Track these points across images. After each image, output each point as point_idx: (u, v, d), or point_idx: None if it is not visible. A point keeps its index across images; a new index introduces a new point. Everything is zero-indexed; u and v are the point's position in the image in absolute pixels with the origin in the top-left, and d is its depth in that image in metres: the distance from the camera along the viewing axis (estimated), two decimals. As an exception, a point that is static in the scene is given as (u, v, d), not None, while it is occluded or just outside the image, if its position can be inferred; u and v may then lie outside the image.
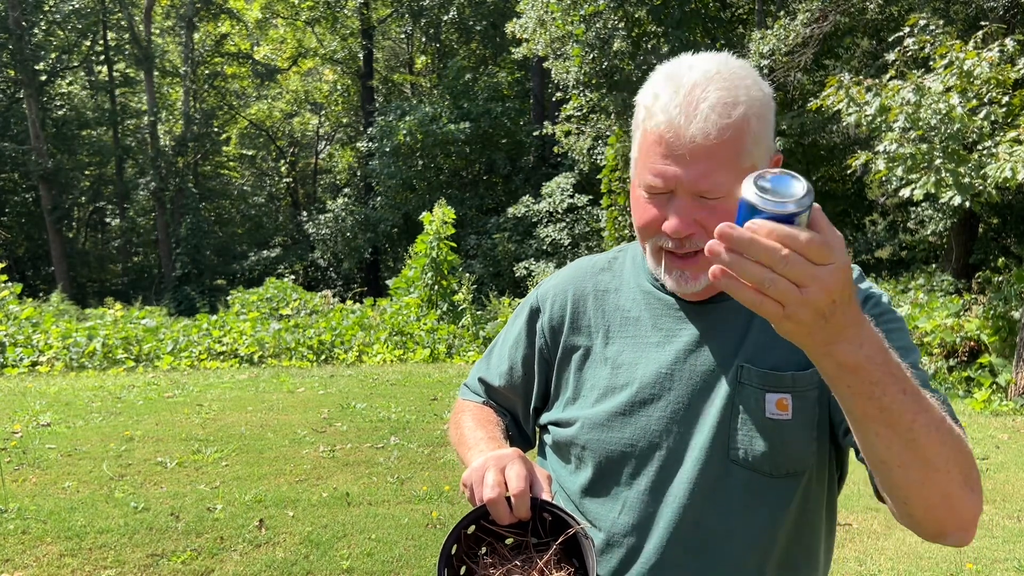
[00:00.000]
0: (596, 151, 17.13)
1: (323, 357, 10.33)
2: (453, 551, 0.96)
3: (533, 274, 17.55)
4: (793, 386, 1.06)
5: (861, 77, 7.89)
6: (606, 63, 15.05)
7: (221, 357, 10.06)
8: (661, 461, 1.09)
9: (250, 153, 32.74)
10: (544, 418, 1.25)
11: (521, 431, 1.32)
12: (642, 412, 1.11)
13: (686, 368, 1.10)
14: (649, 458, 1.09)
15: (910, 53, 7.55)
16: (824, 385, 1.04)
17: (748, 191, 0.76)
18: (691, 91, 0.99)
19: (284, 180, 32.68)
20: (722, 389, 1.08)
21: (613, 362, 1.16)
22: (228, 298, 16.81)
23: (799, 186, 0.76)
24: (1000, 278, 9.35)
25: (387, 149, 21.81)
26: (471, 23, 25.20)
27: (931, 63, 7.30)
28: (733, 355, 1.09)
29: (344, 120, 31.76)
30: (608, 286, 1.22)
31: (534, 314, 1.28)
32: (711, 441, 1.07)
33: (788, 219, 0.74)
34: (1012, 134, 6.83)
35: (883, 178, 7.56)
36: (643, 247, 1.12)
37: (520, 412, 1.31)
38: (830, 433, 1.08)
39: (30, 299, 14.45)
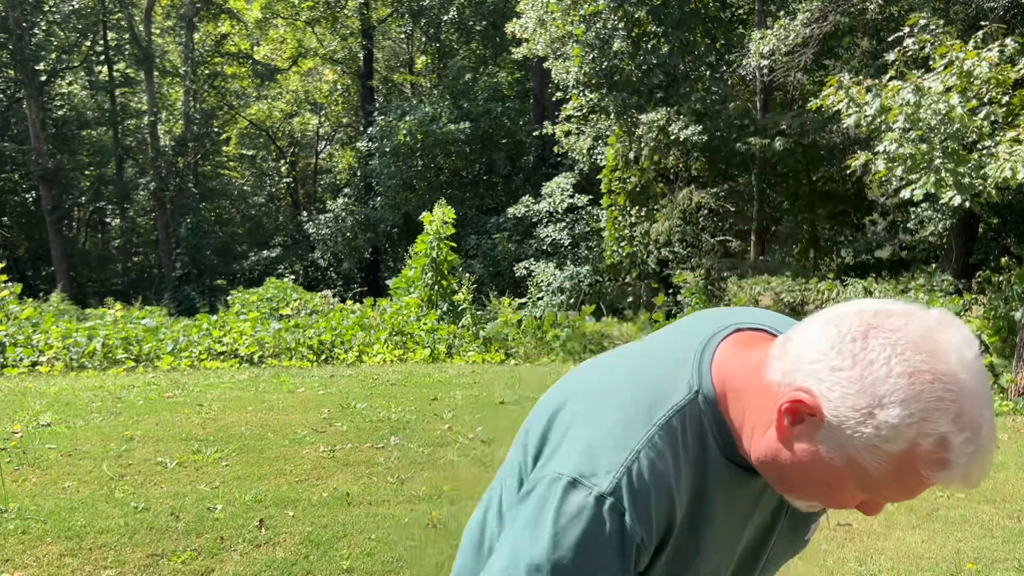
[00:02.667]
0: (596, 151, 17.14)
1: (323, 357, 10.33)
2: None
3: (533, 274, 17.55)
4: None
5: (861, 77, 7.90)
6: (606, 63, 15.05)
7: (221, 357, 10.05)
8: None
9: (250, 153, 32.75)
10: None
11: None
12: None
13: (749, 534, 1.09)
14: None
15: (910, 53, 7.56)
16: None
17: None
18: (988, 451, 0.83)
19: (284, 180, 32.69)
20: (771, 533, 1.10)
21: (702, 552, 1.01)
22: (228, 298, 16.80)
23: None
24: (1000, 278, 9.35)
25: (387, 149, 21.82)
26: (471, 23, 25.20)
27: (931, 63, 7.31)
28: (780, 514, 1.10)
29: (344, 120, 31.77)
30: (696, 480, 0.97)
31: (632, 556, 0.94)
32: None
33: None
34: (1012, 134, 6.84)
35: (883, 178, 7.56)
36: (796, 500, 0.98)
37: None
38: None
39: (30, 299, 14.45)
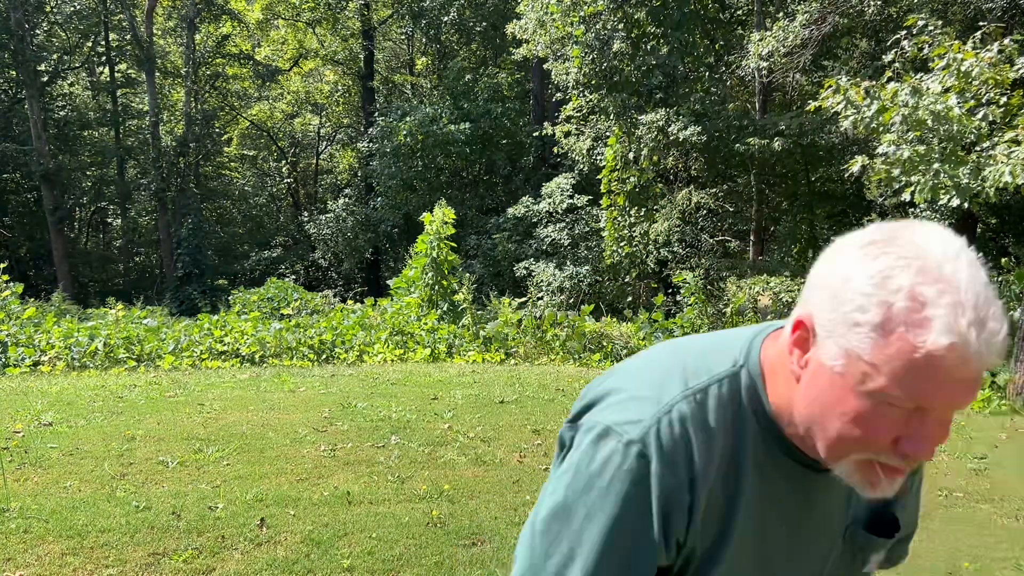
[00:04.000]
0: (596, 151, 17.16)
1: (324, 357, 10.35)
2: None
3: (533, 274, 17.57)
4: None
5: (859, 79, 7.92)
6: (606, 64, 15.07)
7: (222, 357, 10.08)
8: None
9: (251, 154, 32.80)
10: None
11: None
12: None
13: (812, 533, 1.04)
14: None
15: (908, 55, 7.58)
16: None
17: None
18: (976, 307, 0.79)
19: (285, 180, 32.73)
20: (832, 548, 1.06)
21: (760, 557, 0.99)
22: (229, 298, 16.85)
23: None
24: (999, 278, 9.37)
25: (388, 150, 21.85)
26: (471, 24, 25.23)
27: (929, 64, 7.33)
28: (843, 519, 1.05)
29: (345, 121, 31.80)
30: (731, 450, 0.95)
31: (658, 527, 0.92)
32: None
33: None
34: (1010, 135, 6.86)
35: (881, 180, 7.58)
36: (838, 459, 0.89)
37: None
38: None
39: (32, 299, 14.49)
